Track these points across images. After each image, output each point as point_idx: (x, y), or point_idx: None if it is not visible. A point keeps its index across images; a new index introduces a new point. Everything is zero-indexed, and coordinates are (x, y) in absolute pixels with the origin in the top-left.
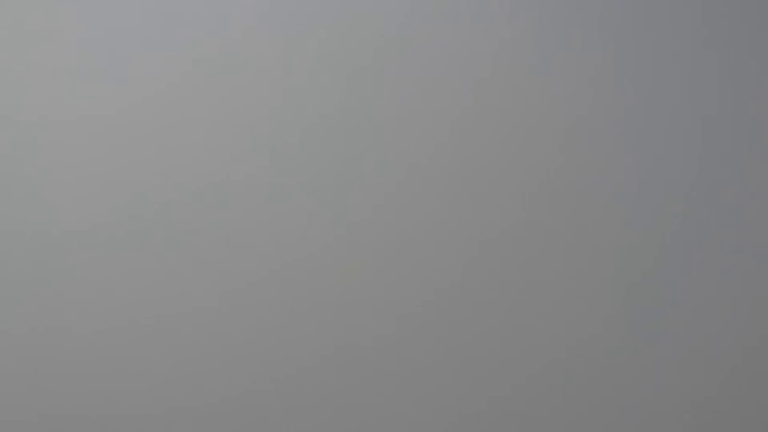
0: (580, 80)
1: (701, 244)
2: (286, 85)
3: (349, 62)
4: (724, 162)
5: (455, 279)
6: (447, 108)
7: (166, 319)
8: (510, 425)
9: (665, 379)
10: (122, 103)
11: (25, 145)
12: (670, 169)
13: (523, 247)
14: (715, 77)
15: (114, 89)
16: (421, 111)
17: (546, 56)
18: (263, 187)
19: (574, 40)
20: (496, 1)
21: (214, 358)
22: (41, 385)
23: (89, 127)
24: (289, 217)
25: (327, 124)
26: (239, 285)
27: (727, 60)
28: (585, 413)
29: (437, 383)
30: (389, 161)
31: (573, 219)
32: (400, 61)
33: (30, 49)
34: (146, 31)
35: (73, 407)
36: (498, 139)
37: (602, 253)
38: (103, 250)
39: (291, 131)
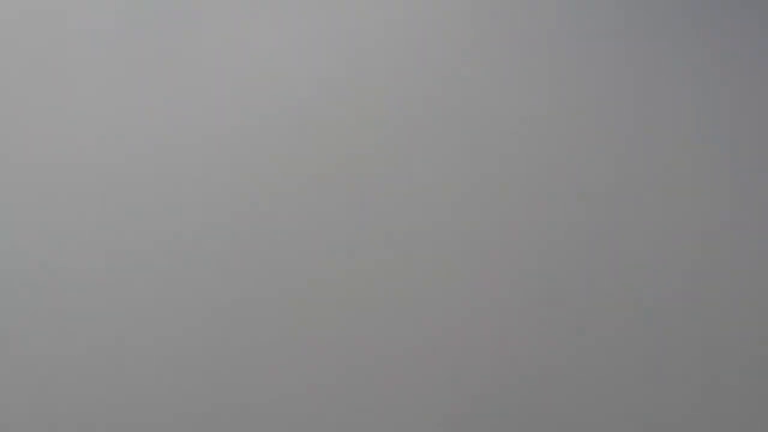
0: (580, 83)
1: (705, 243)
2: (295, 87)
3: (354, 64)
4: (727, 161)
5: (464, 282)
6: (451, 113)
7: (174, 320)
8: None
9: (669, 380)
10: (131, 107)
11: (27, 144)
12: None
13: (530, 250)
14: (716, 78)
15: (119, 90)
16: (427, 116)
17: (550, 61)
18: (271, 187)
19: (574, 42)
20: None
21: (219, 364)
22: (42, 388)
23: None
24: (296, 219)
25: (334, 128)
26: (245, 289)
27: (728, 60)
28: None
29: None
30: (402, 163)
31: (573, 220)
32: (408, 66)
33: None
34: (155, 37)
35: (74, 412)
36: (504, 143)
37: (604, 253)
38: (106, 252)
39: (296, 133)
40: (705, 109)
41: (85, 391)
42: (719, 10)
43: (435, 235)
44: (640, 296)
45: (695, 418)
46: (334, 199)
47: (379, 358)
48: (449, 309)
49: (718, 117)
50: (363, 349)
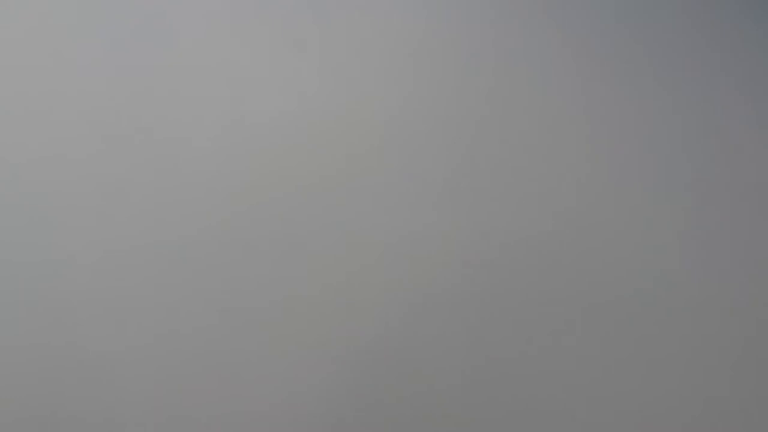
0: (581, 83)
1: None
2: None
3: (357, 62)
4: (726, 161)
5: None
6: (451, 113)
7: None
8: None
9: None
10: (133, 106)
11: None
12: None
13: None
14: (715, 79)
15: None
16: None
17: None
18: (270, 191)
19: (574, 43)
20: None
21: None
22: (41, 388)
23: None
24: (296, 223)
25: (329, 128)
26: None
27: (726, 61)
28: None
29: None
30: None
31: (572, 220)
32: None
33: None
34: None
35: (74, 412)
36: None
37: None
38: (109, 255)
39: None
40: (704, 109)
41: (85, 392)
42: (720, 10)
43: (434, 235)
44: (639, 296)
45: (692, 417)
46: (333, 202)
47: (379, 358)
48: (448, 309)
49: (718, 117)
50: (362, 350)
